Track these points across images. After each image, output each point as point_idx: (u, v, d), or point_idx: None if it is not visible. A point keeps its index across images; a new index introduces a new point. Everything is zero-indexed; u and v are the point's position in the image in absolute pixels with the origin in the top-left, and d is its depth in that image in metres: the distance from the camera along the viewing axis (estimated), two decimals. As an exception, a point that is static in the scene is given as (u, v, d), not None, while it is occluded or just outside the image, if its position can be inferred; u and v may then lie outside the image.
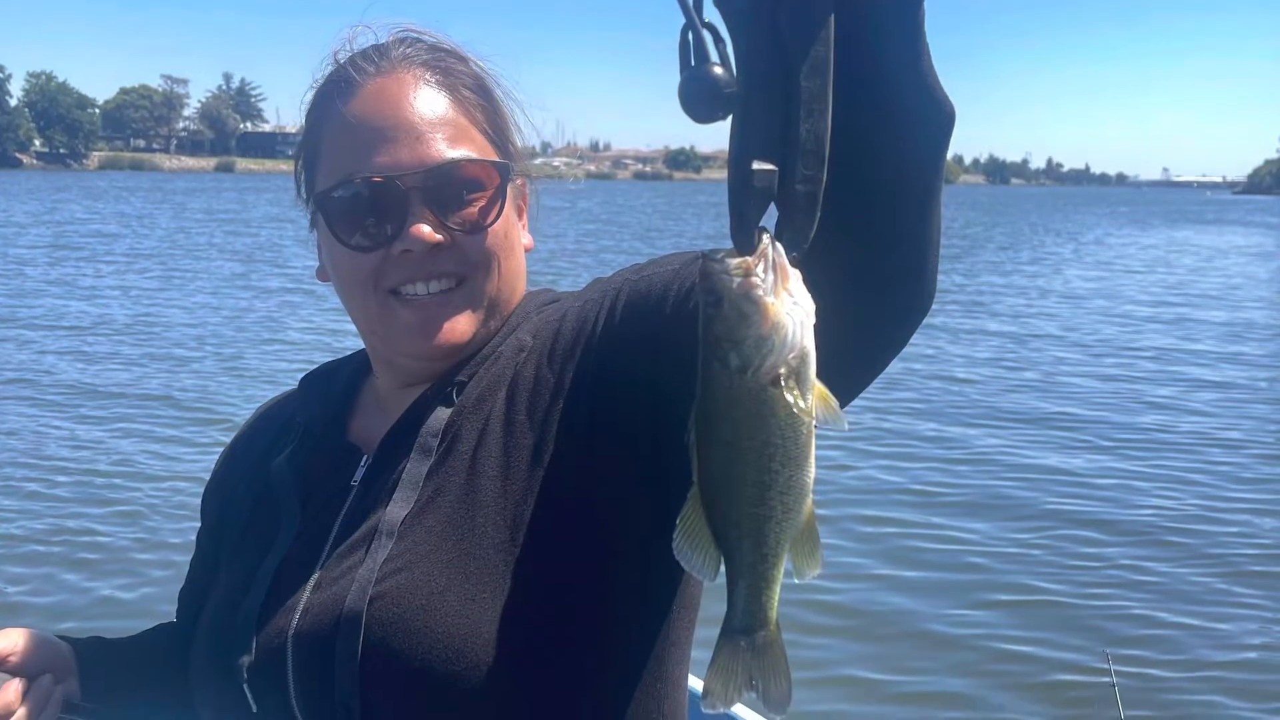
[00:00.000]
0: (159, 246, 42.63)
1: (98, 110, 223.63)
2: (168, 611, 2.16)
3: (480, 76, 1.89)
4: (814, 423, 1.26)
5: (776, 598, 1.33)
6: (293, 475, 1.89)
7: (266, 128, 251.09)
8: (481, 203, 1.79)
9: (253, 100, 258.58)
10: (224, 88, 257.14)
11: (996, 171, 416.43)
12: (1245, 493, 12.32)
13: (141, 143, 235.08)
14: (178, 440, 13.70)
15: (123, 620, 7.88)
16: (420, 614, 1.60)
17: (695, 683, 1.86)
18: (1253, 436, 15.01)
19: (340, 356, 2.11)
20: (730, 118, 1.23)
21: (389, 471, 1.77)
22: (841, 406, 1.29)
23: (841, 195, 1.26)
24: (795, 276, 1.24)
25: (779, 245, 1.24)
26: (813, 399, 1.25)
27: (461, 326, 1.79)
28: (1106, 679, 4.59)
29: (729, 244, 1.25)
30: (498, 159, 1.83)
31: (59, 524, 10.63)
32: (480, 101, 1.86)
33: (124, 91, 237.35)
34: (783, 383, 1.23)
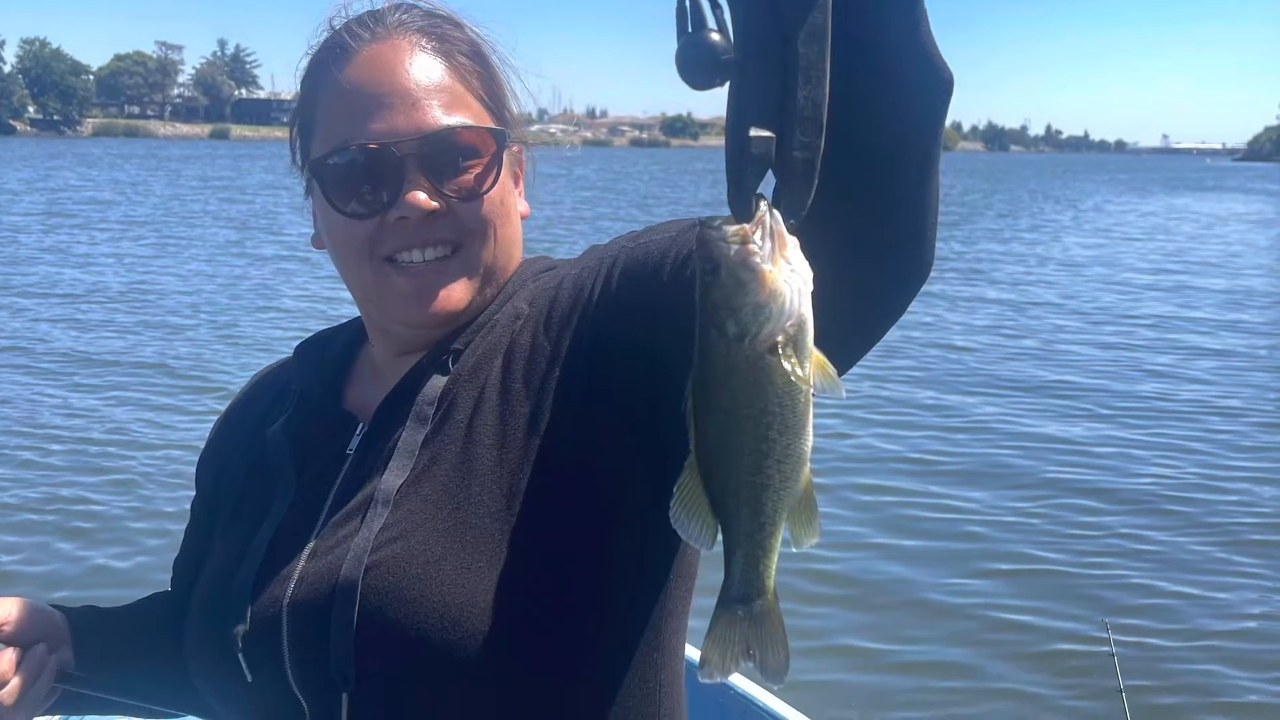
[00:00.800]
0: (153, 214, 42.58)
1: (92, 77, 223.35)
2: (162, 580, 2.16)
3: (476, 43, 1.87)
4: (812, 391, 1.26)
5: (774, 567, 1.33)
6: (288, 443, 1.88)
7: (261, 94, 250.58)
8: (478, 170, 1.78)
9: (247, 67, 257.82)
10: (219, 54, 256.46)
11: (995, 138, 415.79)
12: (1245, 461, 12.33)
13: (136, 109, 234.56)
14: (172, 408, 13.71)
15: (117, 589, 7.90)
16: (416, 583, 1.60)
17: (693, 652, 1.86)
18: (1252, 404, 15.04)
19: (336, 324, 2.10)
20: (727, 84, 1.22)
21: (384, 440, 1.76)
22: (839, 374, 1.28)
23: (840, 162, 1.26)
24: (793, 244, 1.24)
25: (776, 212, 1.23)
26: (810, 367, 1.25)
27: (457, 294, 1.78)
28: (1105, 648, 4.59)
29: (726, 211, 1.24)
30: (494, 126, 1.82)
31: (53, 492, 10.64)
32: (476, 68, 1.84)
33: (118, 58, 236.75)
34: (780, 350, 1.23)
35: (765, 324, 1.22)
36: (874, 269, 1.41)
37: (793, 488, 1.28)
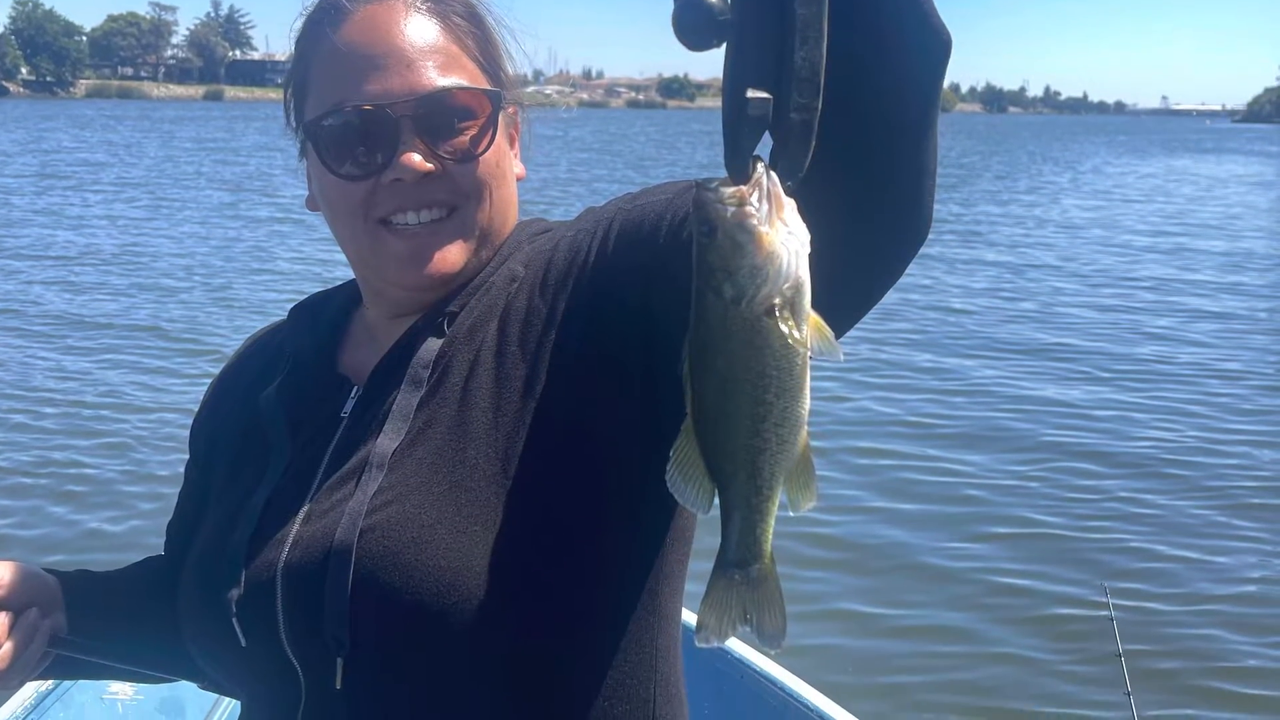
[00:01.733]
0: (147, 175, 42.51)
1: (85, 38, 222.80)
2: (155, 544, 2.15)
3: (471, 4, 1.86)
4: (809, 354, 1.25)
5: (771, 531, 1.33)
6: (282, 407, 1.87)
7: (255, 56, 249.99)
8: (473, 131, 1.77)
9: (242, 28, 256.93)
10: (213, 15, 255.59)
11: (994, 100, 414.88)
12: (1245, 424, 12.33)
13: (129, 71, 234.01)
14: (165, 371, 13.71)
15: (110, 553, 7.94)
16: (411, 547, 1.59)
17: (689, 617, 1.85)
18: (1252, 367, 15.03)
19: (330, 287, 2.09)
20: (724, 45, 1.21)
21: (379, 403, 1.76)
22: (837, 337, 1.28)
23: (837, 124, 1.25)
24: (790, 206, 1.23)
25: (774, 174, 1.22)
26: (808, 329, 1.24)
27: (452, 256, 1.77)
28: (1104, 612, 4.59)
29: (723, 173, 1.23)
30: (489, 87, 1.80)
31: (45, 456, 10.64)
32: (471, 29, 1.83)
33: (112, 19, 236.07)
34: (777, 313, 1.22)
35: (762, 286, 1.21)
36: (871, 231, 1.40)
37: (790, 451, 1.28)
